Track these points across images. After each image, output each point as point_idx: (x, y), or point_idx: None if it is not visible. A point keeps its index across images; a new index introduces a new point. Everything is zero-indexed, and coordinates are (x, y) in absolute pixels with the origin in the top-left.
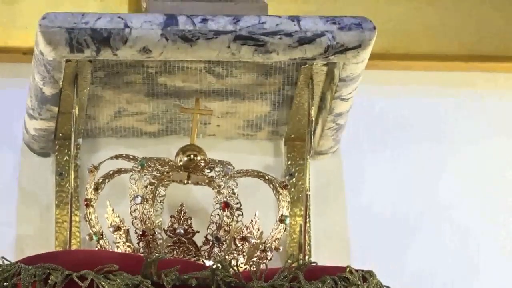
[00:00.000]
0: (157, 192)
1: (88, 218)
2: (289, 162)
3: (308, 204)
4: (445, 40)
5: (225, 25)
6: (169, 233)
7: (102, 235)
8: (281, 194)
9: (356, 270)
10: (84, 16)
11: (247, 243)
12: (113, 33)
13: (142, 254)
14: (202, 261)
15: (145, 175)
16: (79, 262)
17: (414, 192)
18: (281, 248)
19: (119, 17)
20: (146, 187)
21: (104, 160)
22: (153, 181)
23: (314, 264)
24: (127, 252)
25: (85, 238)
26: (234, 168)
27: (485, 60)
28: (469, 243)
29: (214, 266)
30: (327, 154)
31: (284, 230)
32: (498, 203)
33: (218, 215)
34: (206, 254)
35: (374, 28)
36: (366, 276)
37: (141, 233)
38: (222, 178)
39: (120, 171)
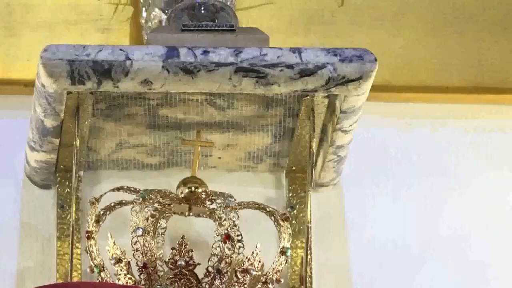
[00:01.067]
0: (159, 224)
1: (89, 251)
2: (290, 194)
3: (309, 236)
4: (447, 72)
5: (226, 57)
6: (170, 265)
7: (103, 267)
8: (282, 226)
9: None
10: (86, 48)
11: (248, 275)
12: (114, 65)
13: (143, 287)
14: None
15: (146, 207)
16: None
17: (417, 224)
18: (282, 280)
19: (121, 49)
20: (147, 219)
21: (106, 192)
22: (155, 213)
23: None
24: (128, 284)
25: (86, 270)
26: (235, 200)
27: (487, 92)
28: (473, 275)
29: None
30: (328, 186)
31: (285, 262)
32: (502, 235)
33: (220, 247)
34: (207, 286)
35: (375, 60)
36: None
37: (142, 265)
38: (224, 210)
39: (121, 203)
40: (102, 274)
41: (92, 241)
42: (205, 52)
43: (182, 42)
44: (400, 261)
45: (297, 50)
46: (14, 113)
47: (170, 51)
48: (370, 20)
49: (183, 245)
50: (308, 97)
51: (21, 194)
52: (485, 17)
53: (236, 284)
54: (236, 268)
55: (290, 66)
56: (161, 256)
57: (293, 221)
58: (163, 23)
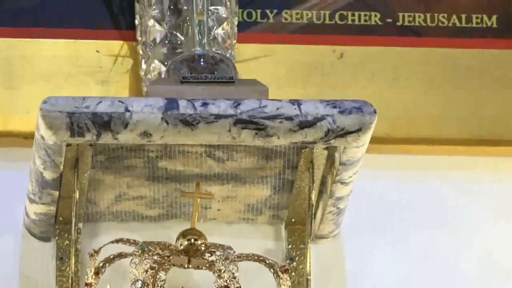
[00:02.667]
0: (158, 276)
1: None
2: (290, 246)
3: None
4: (446, 124)
5: (225, 109)
6: None
7: None
8: (281, 278)
9: None
10: (85, 100)
11: None
12: (113, 117)
13: None
14: None
15: (145, 259)
16: None
17: (417, 276)
18: None
19: (120, 101)
20: (146, 271)
21: (105, 245)
22: (154, 265)
23: None
24: None
25: None
26: (234, 252)
27: (486, 145)
28: None
29: None
30: (327, 238)
31: None
32: (504, 285)
33: None
34: None
35: (375, 112)
36: None
37: None
38: (223, 262)
39: (120, 256)
40: None
41: None
42: (205, 104)
43: (182, 94)
44: None
45: (296, 102)
46: (14, 165)
47: (169, 103)
48: (370, 72)
49: None
50: (308, 149)
51: (21, 246)
52: (484, 70)
53: None
54: None
55: (290, 118)
56: None
57: (293, 273)
58: (163, 75)
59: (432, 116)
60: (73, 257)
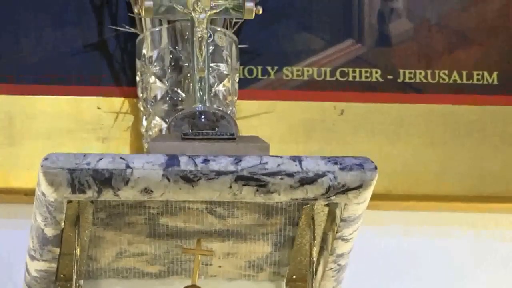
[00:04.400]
0: None
1: None
2: None
3: None
4: (448, 181)
5: (226, 165)
6: None
7: None
8: None
9: None
10: (86, 156)
11: None
12: (114, 173)
13: None
14: None
15: None
16: None
17: None
18: None
19: (121, 158)
20: None
21: None
22: None
23: None
24: None
25: None
26: None
27: (486, 201)
28: None
29: None
30: None
31: None
32: None
33: None
34: None
35: (376, 168)
36: None
37: None
38: None
39: None
40: None
41: None
42: (206, 161)
43: (183, 150)
44: None
45: (297, 159)
46: (15, 222)
47: (170, 159)
48: (371, 129)
49: None
50: (309, 205)
51: None
52: (485, 127)
53: None
54: None
55: (291, 175)
56: None
57: None
58: (163, 132)
59: (433, 172)
60: None
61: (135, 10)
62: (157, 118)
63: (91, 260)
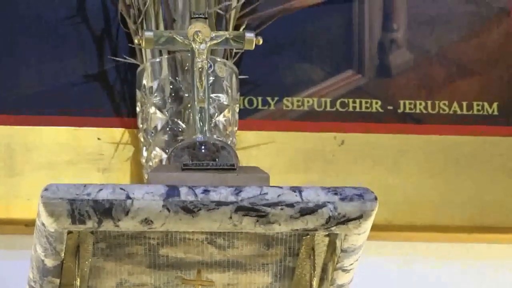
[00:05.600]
0: None
1: None
2: None
3: None
4: (448, 211)
5: (226, 196)
6: None
7: None
8: None
9: None
10: (86, 187)
11: None
12: (115, 204)
13: None
14: None
15: None
16: None
17: None
18: None
19: (121, 188)
20: None
21: None
22: None
23: None
24: None
25: None
26: None
27: (487, 232)
28: None
29: None
30: None
31: None
32: None
33: None
34: None
35: (376, 198)
36: None
37: None
38: None
39: None
40: None
41: None
42: (206, 191)
43: (183, 181)
44: None
45: (297, 189)
46: (15, 253)
47: (170, 190)
48: (371, 159)
49: None
50: (309, 236)
51: None
52: (485, 157)
53: None
54: None
55: (291, 205)
56: None
57: None
58: (164, 162)
59: (433, 203)
60: None
61: (135, 41)
62: (157, 149)
63: None
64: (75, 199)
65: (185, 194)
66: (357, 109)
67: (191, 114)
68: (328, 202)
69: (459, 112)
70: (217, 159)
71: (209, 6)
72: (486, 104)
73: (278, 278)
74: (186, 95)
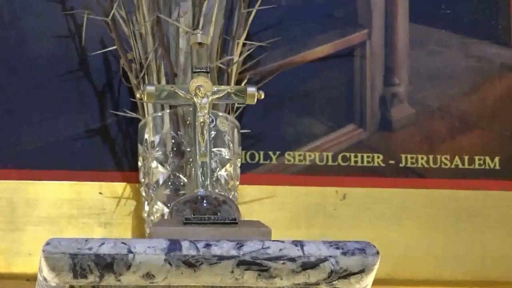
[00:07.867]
0: None
1: None
2: None
3: None
4: (449, 266)
5: (228, 250)
6: None
7: None
8: None
9: None
10: (88, 241)
11: None
12: (116, 258)
13: None
14: None
15: None
16: None
17: None
18: None
19: (123, 243)
20: None
21: None
22: None
23: None
24: None
25: None
26: None
27: (490, 286)
28: None
29: None
30: None
31: None
32: None
33: None
34: None
35: (378, 253)
36: None
37: None
38: None
39: None
40: None
41: None
42: (207, 245)
43: (185, 235)
44: None
45: (299, 243)
46: None
47: (172, 244)
48: (373, 213)
49: None
50: None
51: None
52: (487, 212)
53: None
54: None
55: (293, 259)
56: None
57: None
58: (165, 217)
59: (435, 257)
60: None
61: (137, 95)
62: (159, 203)
63: None
64: (76, 253)
65: (187, 248)
66: (359, 164)
67: (193, 169)
68: (330, 256)
69: (460, 166)
70: (218, 213)
71: (211, 61)
72: (487, 159)
73: None
74: (188, 149)
